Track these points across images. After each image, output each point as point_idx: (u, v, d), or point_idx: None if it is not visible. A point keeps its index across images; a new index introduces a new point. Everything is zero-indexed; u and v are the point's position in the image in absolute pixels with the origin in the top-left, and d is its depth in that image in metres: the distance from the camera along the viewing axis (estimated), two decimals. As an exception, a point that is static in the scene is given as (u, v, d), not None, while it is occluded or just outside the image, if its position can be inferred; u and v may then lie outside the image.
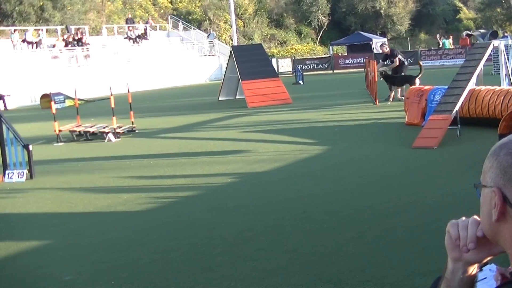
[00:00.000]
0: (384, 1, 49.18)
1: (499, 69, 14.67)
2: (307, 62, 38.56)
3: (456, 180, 7.23)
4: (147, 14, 43.54)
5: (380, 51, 22.62)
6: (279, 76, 21.60)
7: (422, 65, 16.63)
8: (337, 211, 6.24)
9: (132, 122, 14.42)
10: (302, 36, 49.96)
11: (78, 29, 34.46)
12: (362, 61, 32.47)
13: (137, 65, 33.43)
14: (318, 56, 42.19)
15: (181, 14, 45.13)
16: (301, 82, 27.86)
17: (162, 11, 45.57)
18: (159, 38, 39.33)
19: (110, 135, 13.10)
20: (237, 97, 21.35)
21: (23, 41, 31.31)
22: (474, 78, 10.68)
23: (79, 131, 13.68)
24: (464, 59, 15.22)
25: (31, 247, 5.75)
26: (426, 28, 53.09)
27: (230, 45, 34.00)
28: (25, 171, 9.22)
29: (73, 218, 6.72)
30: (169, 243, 5.54)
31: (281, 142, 11.24)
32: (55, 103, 17.85)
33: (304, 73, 30.49)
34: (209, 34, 41.23)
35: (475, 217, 1.20)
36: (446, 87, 10.99)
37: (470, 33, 39.98)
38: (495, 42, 12.22)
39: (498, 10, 52.44)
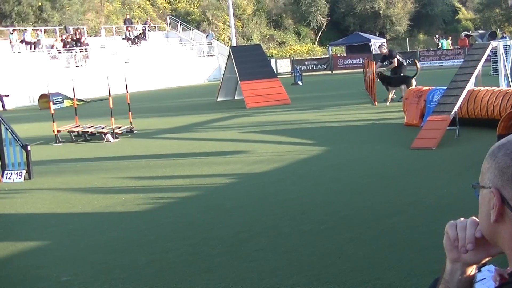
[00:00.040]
0: (383, 1, 49.22)
1: (497, 69, 14.69)
2: (306, 63, 38.59)
3: (455, 181, 7.23)
4: (145, 15, 43.53)
5: (379, 52, 22.63)
6: (278, 76, 21.60)
7: (419, 65, 16.66)
8: (336, 211, 6.24)
9: (131, 122, 14.41)
10: (301, 36, 49.99)
11: (77, 29, 34.46)
12: (361, 62, 32.51)
13: (135, 66, 33.42)
14: (317, 57, 42.22)
15: (180, 14, 45.13)
16: (300, 82, 27.87)
17: (160, 11, 45.56)
18: (157, 38, 39.35)
19: (109, 136, 13.09)
20: (235, 97, 21.36)
21: (22, 41, 31.30)
22: (473, 79, 10.69)
23: (78, 132, 13.67)
24: (463, 60, 15.23)
25: (29, 247, 5.74)
26: (425, 28, 53.15)
27: (229, 45, 33.97)
28: (24, 172, 9.22)
29: (71, 219, 6.71)
30: (167, 243, 5.53)
31: (279, 142, 11.24)
32: (54, 103, 17.86)
33: (303, 74, 30.51)
34: (207, 35, 41.24)
35: (474, 218, 1.20)
36: (445, 87, 10.99)
37: (469, 33, 40.05)
38: (494, 43, 12.22)
39: (497, 10, 52.54)
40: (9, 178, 9.18)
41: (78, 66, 31.78)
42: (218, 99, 21.47)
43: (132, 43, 36.68)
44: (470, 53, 12.01)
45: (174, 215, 6.55)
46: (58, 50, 31.98)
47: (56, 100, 22.53)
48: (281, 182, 7.86)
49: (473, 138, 9.93)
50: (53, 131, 13.24)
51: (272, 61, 34.56)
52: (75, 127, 13.85)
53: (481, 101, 10.81)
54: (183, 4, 46.75)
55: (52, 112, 13.53)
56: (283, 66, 38.28)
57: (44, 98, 22.24)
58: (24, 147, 9.21)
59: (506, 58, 12.87)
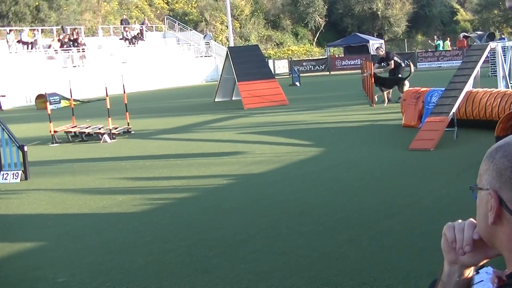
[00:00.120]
0: (381, 2, 49.27)
1: (496, 71, 14.70)
2: (304, 64, 38.60)
3: (453, 182, 7.23)
4: (143, 15, 43.52)
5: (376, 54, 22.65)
6: (276, 77, 21.62)
7: (413, 68, 16.72)
8: (334, 212, 6.23)
9: (128, 123, 14.40)
10: (298, 37, 50.01)
11: (74, 29, 34.41)
12: (359, 63, 32.55)
13: (133, 66, 33.40)
14: (314, 58, 42.24)
15: (178, 15, 45.12)
16: (297, 83, 27.87)
17: (158, 11, 45.55)
18: (155, 39, 39.34)
19: (106, 136, 13.07)
20: (233, 98, 21.35)
21: (19, 41, 31.25)
22: (471, 80, 10.70)
23: (75, 132, 13.65)
24: (461, 61, 15.25)
25: (25, 248, 5.72)
26: (423, 29, 53.24)
27: (227, 46, 33.99)
28: (20, 172, 9.19)
29: (68, 220, 6.70)
30: (165, 245, 5.52)
31: (277, 143, 11.23)
32: (51, 103, 17.82)
33: (301, 75, 30.52)
34: (205, 35, 41.23)
35: (472, 219, 1.20)
36: (443, 89, 10.99)
37: (467, 35, 40.11)
38: (492, 44, 12.23)
39: (495, 12, 52.63)
40: (5, 179, 9.15)
41: (75, 66, 31.74)
42: (216, 100, 21.47)
43: (130, 44, 36.66)
44: (469, 54, 12.02)
45: (171, 216, 6.54)
46: (55, 50, 31.94)
47: (53, 101, 22.51)
48: (279, 183, 7.85)
49: (471, 140, 9.94)
50: (50, 131, 13.21)
51: (270, 62, 34.55)
52: (72, 127, 13.83)
53: (479, 102, 10.82)
54: (180, 4, 46.74)
55: (49, 112, 13.51)
56: (281, 67, 38.28)
57: (41, 98, 22.21)
58: (21, 147, 9.18)
59: (504, 59, 12.89)
